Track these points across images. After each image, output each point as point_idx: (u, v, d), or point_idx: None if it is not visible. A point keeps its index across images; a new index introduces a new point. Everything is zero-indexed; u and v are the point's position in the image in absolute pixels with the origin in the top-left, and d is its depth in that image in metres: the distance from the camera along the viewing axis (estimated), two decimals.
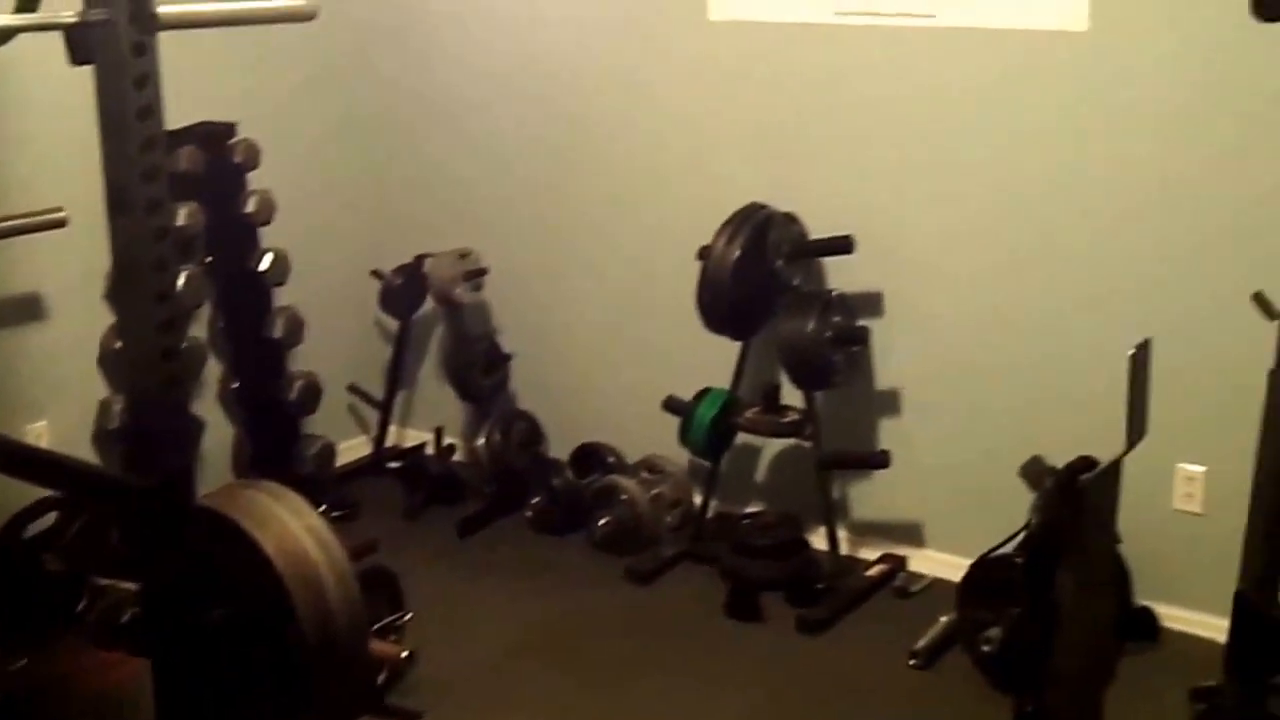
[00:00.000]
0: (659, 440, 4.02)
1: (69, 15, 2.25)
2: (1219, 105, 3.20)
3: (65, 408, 3.74)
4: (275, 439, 4.13)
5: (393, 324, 4.45)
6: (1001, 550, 3.11)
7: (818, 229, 3.68)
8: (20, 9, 2.47)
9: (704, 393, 3.84)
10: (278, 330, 4.02)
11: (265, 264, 3.95)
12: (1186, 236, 3.30)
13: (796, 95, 3.78)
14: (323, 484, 4.13)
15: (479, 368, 4.32)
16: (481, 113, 4.36)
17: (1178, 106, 3.25)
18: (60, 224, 3.24)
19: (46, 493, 3.23)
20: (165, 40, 2.32)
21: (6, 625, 3.36)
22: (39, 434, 3.67)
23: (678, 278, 3.79)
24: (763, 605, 3.58)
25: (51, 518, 3.45)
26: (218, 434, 4.09)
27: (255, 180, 3.97)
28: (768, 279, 3.63)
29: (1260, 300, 2.51)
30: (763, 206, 3.68)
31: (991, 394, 3.64)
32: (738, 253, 3.58)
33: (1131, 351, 2.06)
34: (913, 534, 3.83)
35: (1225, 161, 3.22)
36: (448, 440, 4.44)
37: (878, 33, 3.61)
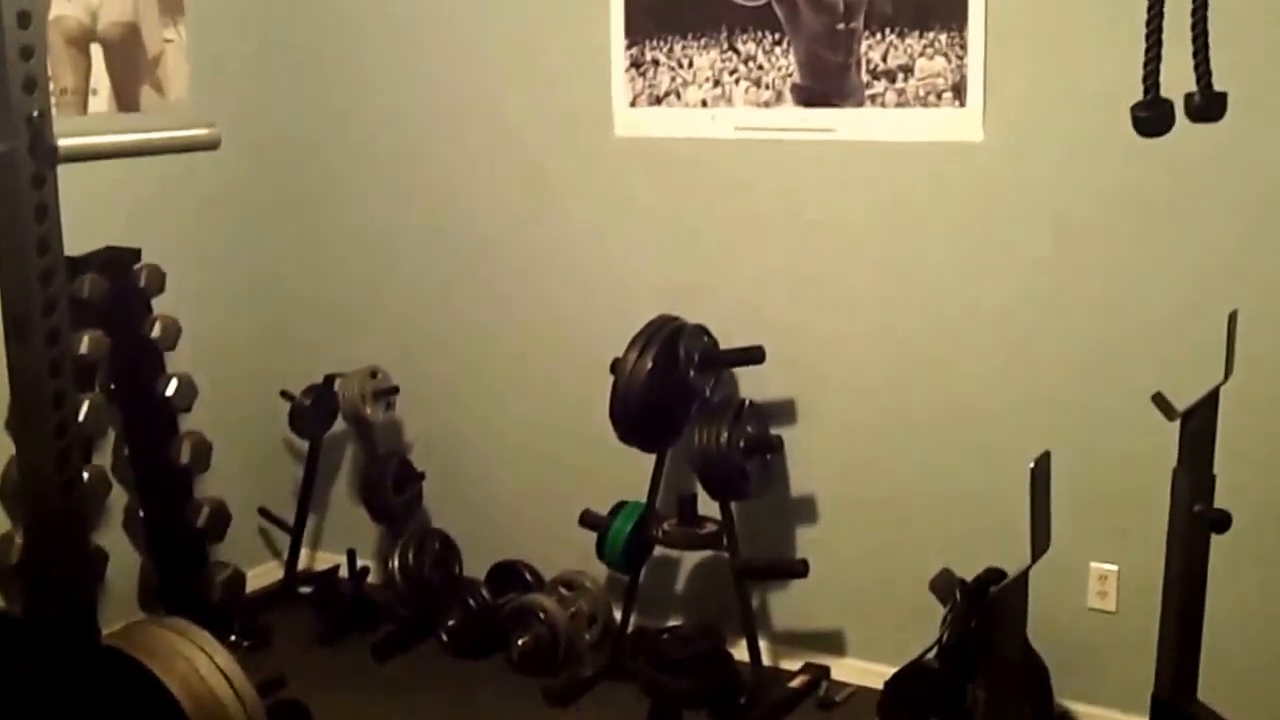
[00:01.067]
0: (576, 555, 3.99)
1: None
2: (1114, 212, 3.29)
3: None
4: (183, 567, 4.04)
5: (303, 445, 4.40)
6: (920, 659, 3.11)
7: (728, 339, 3.71)
8: None
9: (620, 506, 3.82)
10: (184, 456, 3.95)
11: (170, 389, 3.89)
12: (1087, 341, 3.37)
13: (703, 208, 3.83)
14: (232, 612, 4.04)
15: (391, 487, 4.27)
16: (386, 230, 4.37)
17: (1074, 214, 3.34)
18: None
19: None
20: (68, 165, 2.30)
21: None
22: None
23: (590, 391, 3.80)
24: None
25: None
26: (123, 563, 3.99)
27: (160, 305, 3.93)
28: (680, 390, 3.64)
29: (1160, 401, 2.57)
30: (673, 318, 3.71)
31: (905, 501, 3.67)
32: (650, 365, 3.60)
33: (1030, 465, 2.09)
34: (835, 642, 3.82)
35: (1122, 267, 3.30)
36: (361, 562, 4.36)
37: (779, 147, 3.68)
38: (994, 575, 2.60)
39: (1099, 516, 3.36)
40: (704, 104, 3.75)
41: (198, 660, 2.57)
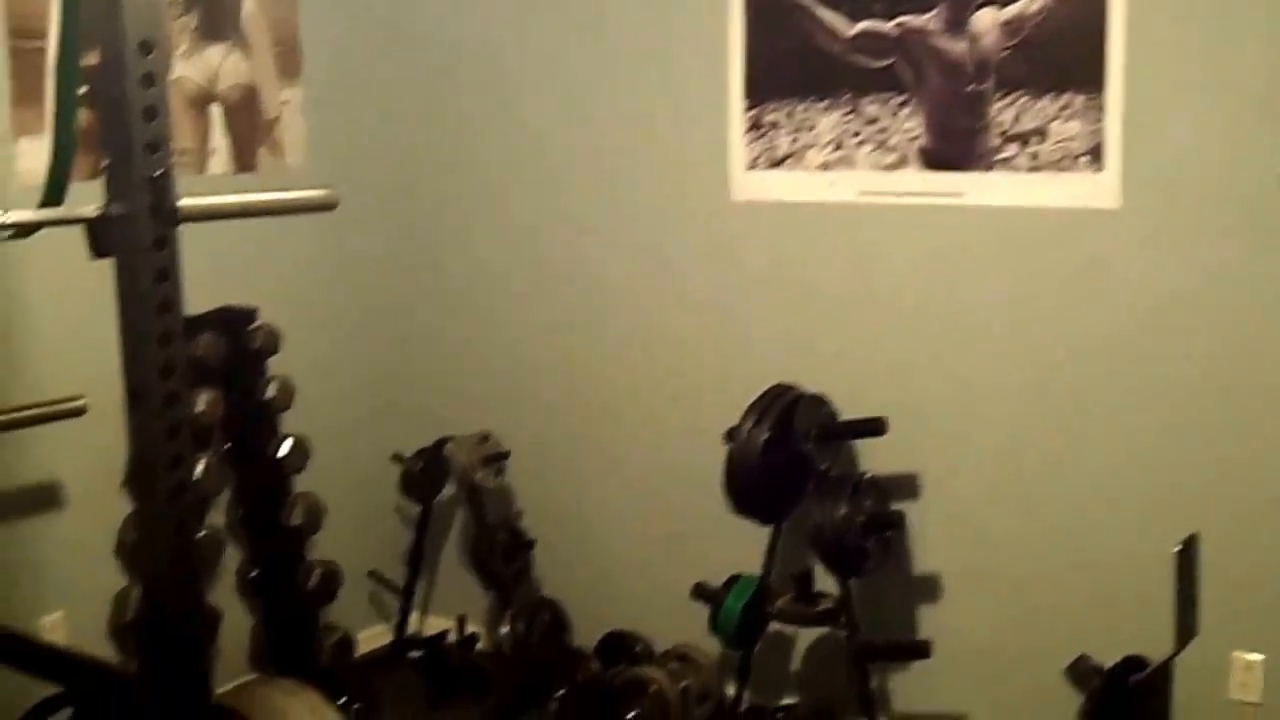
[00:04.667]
0: (688, 628, 3.89)
1: (91, 209, 2.24)
2: (1262, 290, 3.14)
3: (82, 599, 3.65)
4: (294, 629, 4.02)
5: (413, 509, 4.37)
6: None
7: (847, 410, 3.61)
8: (45, 203, 2.47)
9: (733, 580, 3.73)
10: (296, 517, 3.94)
11: (284, 450, 3.90)
12: (1233, 422, 3.22)
13: (822, 274, 3.76)
14: (342, 675, 4.00)
15: (501, 554, 4.22)
16: (499, 293, 4.35)
17: (1218, 289, 3.20)
18: (79, 413, 3.21)
19: (59, 689, 3.13)
20: (187, 225, 2.30)
21: None
22: (54, 626, 3.58)
23: (704, 460, 3.71)
24: None
25: (66, 715, 3.34)
26: (236, 623, 3.98)
27: (275, 365, 3.94)
28: (797, 462, 3.55)
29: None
30: (790, 387, 3.63)
31: (1036, 582, 3.52)
32: (765, 435, 3.51)
33: (1177, 548, 1.97)
34: None
35: (1274, 344, 3.15)
36: (470, 628, 4.31)
37: (903, 212, 3.60)
38: (1134, 663, 2.47)
39: (1243, 601, 3.18)
40: (825, 167, 3.68)
41: None
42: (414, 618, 4.46)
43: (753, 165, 3.80)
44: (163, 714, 2.34)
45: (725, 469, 3.57)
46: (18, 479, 3.52)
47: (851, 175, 3.65)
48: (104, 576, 3.69)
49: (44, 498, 3.58)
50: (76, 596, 3.64)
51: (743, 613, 3.66)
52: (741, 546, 3.74)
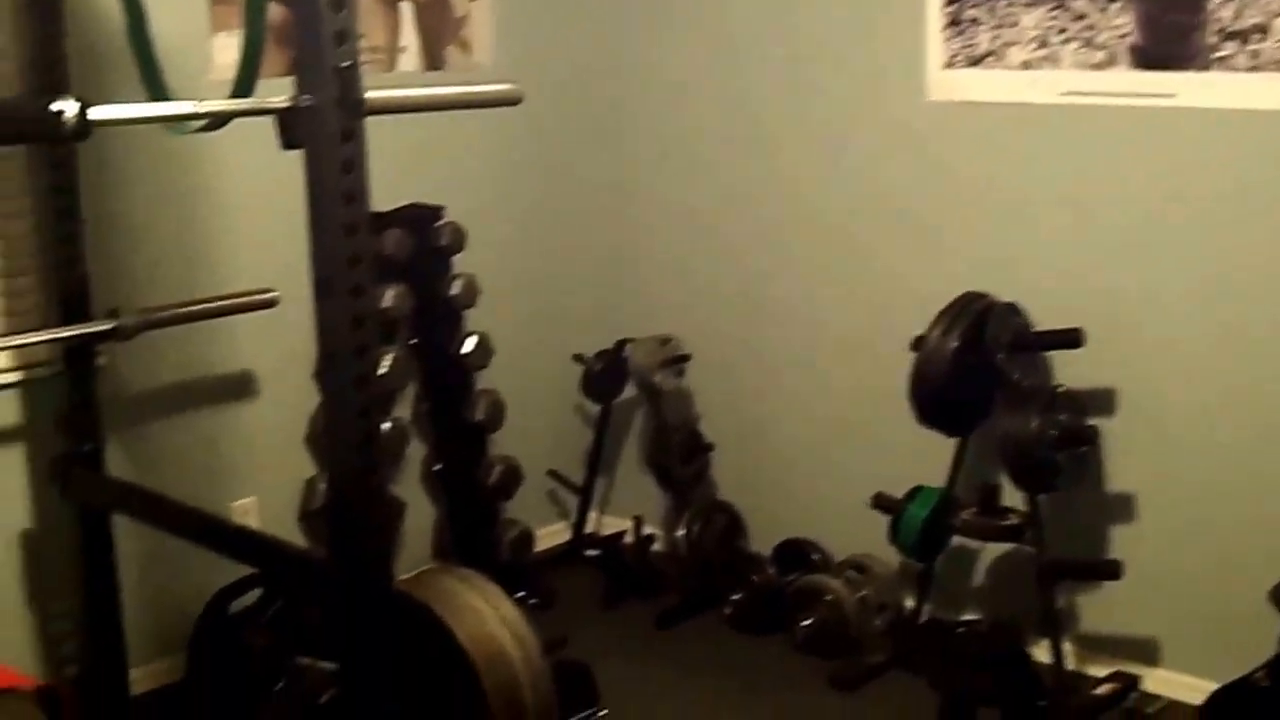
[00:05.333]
0: (867, 539, 3.83)
1: (280, 100, 2.27)
2: None
3: (273, 485, 3.77)
4: (474, 523, 4.09)
5: (594, 409, 4.39)
6: (1250, 676, 2.84)
7: (1042, 320, 3.48)
8: (236, 94, 2.51)
9: (916, 491, 3.65)
10: (479, 414, 3.99)
11: (468, 347, 3.94)
12: None
13: (1020, 179, 3.60)
14: (520, 570, 4.07)
15: (679, 457, 4.22)
16: (686, 196, 4.29)
17: None
18: (271, 304, 3.28)
19: (251, 569, 3.24)
20: (375, 120, 2.31)
21: (209, 701, 3.38)
22: (246, 510, 3.70)
23: (890, 368, 3.62)
24: None
25: (255, 594, 3.47)
26: (420, 515, 4.07)
27: (460, 263, 3.97)
28: (987, 372, 3.43)
29: None
30: (982, 295, 3.50)
31: (1236, 504, 3.36)
32: (955, 344, 3.41)
33: None
34: (1147, 651, 3.55)
35: None
36: (647, 530, 4.33)
37: (1110, 114, 3.41)
38: None
39: None
40: (1027, 66, 3.51)
41: (485, 612, 2.57)
42: (591, 517, 4.49)
43: (950, 64, 3.65)
44: (345, 598, 2.40)
45: (912, 378, 3.48)
46: (214, 368, 3.63)
47: (1055, 75, 3.47)
48: (295, 465, 3.80)
49: (238, 387, 3.69)
50: (268, 483, 3.76)
51: (925, 524, 3.59)
52: (925, 458, 3.66)
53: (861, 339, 3.95)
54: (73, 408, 3.10)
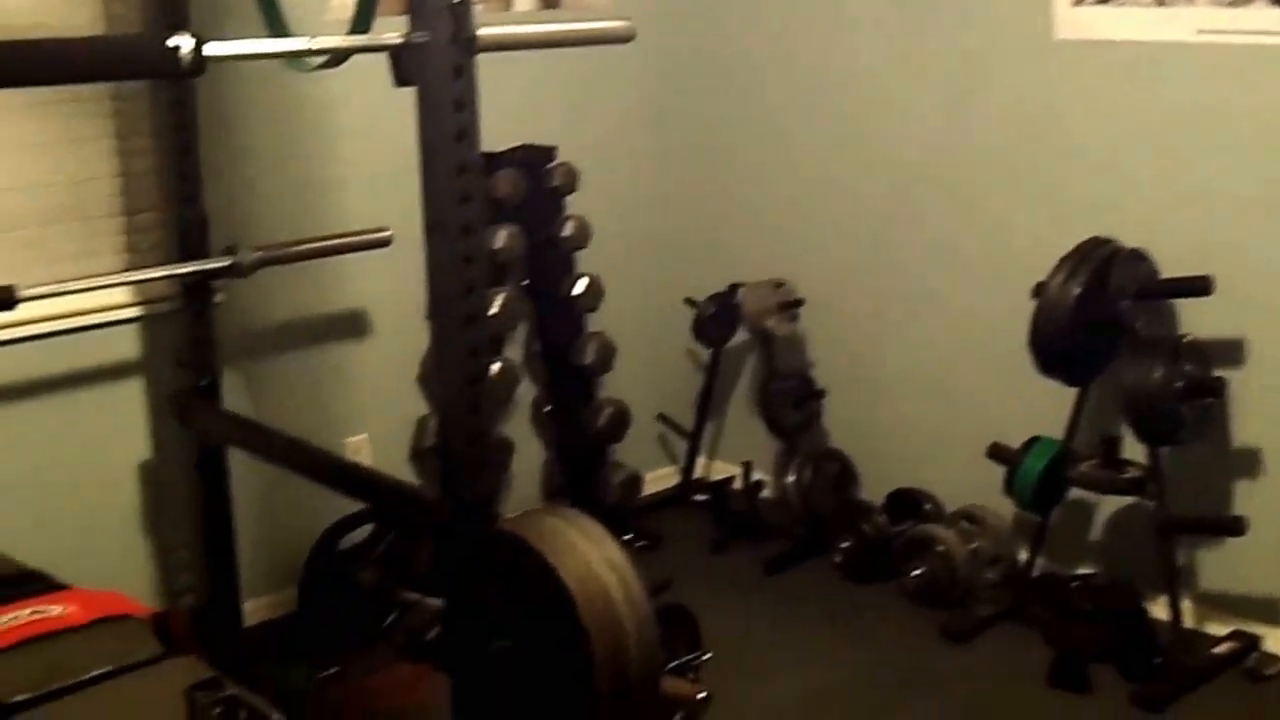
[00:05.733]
0: (981, 490, 3.76)
1: (394, 37, 2.26)
2: None
3: (385, 423, 3.81)
4: (583, 465, 4.10)
5: (704, 353, 4.36)
6: None
7: (1168, 267, 3.36)
8: (352, 30, 2.51)
9: (1033, 441, 3.57)
10: (589, 356, 3.99)
11: (579, 289, 3.93)
12: None
13: (1150, 121, 3.47)
14: (627, 513, 4.07)
15: (790, 403, 4.17)
16: (802, 140, 4.22)
17: None
18: (385, 243, 3.29)
19: (362, 506, 3.29)
20: (489, 63, 2.29)
21: (319, 634, 3.44)
22: (358, 448, 3.75)
23: (1009, 316, 3.53)
24: (1091, 676, 3.28)
25: (366, 531, 3.52)
26: (529, 456, 4.09)
27: (572, 205, 3.95)
28: (1110, 320, 3.33)
29: None
30: (1107, 241, 3.39)
31: None
32: (1077, 291, 3.30)
33: None
34: (1270, 611, 3.43)
35: None
36: (756, 476, 4.30)
37: (1248, 53, 3.27)
38: None
39: None
40: (1160, 3, 3.38)
41: (590, 554, 2.56)
42: (700, 462, 4.47)
43: (1079, 1, 3.52)
44: (453, 536, 2.41)
45: (1032, 325, 3.38)
46: (329, 306, 3.67)
47: (1190, 12, 3.33)
48: (407, 403, 3.84)
49: (352, 326, 3.73)
50: (380, 421, 3.80)
51: (1042, 475, 3.52)
52: (1043, 408, 3.58)
53: (980, 284, 3.86)
54: (191, 343, 3.15)
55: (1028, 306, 3.39)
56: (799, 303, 4.18)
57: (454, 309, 2.29)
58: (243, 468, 3.28)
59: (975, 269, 3.87)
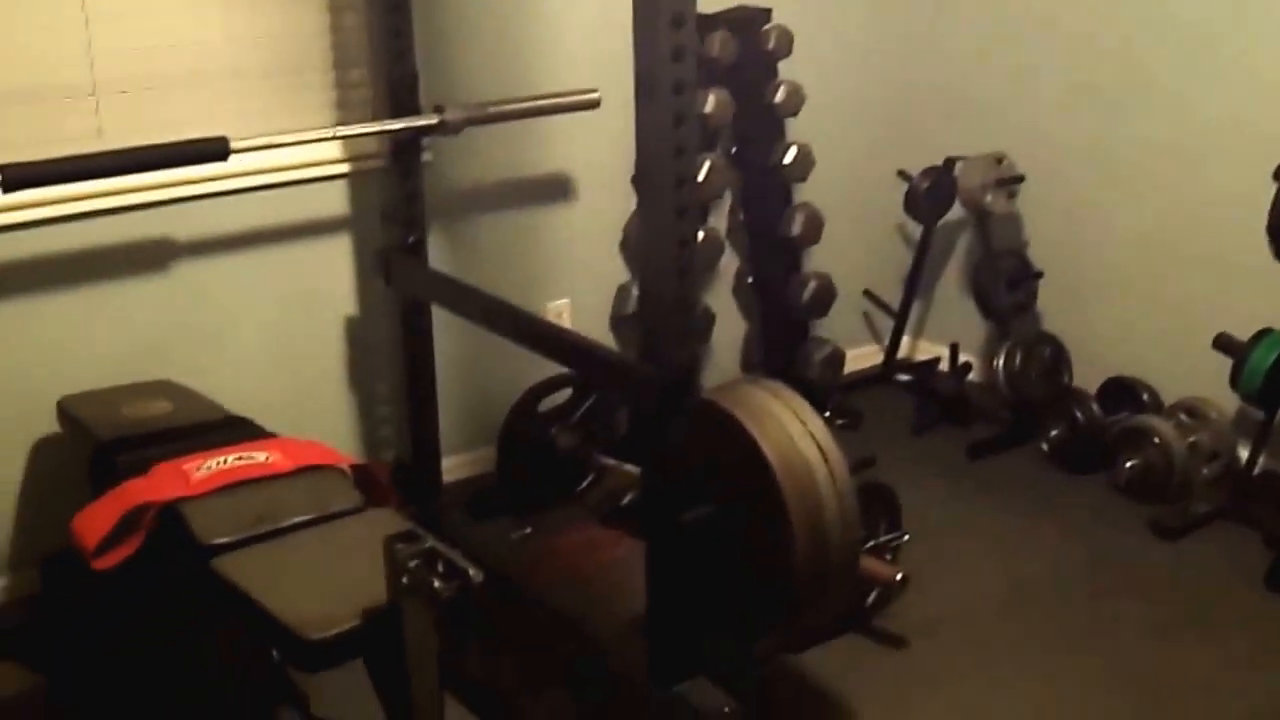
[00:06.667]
0: (1202, 382, 3.58)
1: None
2: None
3: (586, 288, 3.80)
4: (784, 339, 4.02)
5: (914, 229, 4.20)
6: None
7: None
8: None
9: (1264, 333, 3.36)
10: (795, 228, 3.88)
11: (789, 158, 3.81)
12: None
13: None
14: (828, 390, 3.99)
15: (1004, 283, 4.01)
16: (1031, 6, 3.98)
17: None
18: (593, 105, 3.24)
19: (561, 369, 3.29)
20: None
21: (515, 494, 3.48)
22: (560, 312, 3.75)
23: (1243, 199, 3.30)
24: None
25: (565, 394, 3.53)
26: (730, 327, 4.04)
27: (785, 70, 3.82)
28: None
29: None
30: None
31: None
32: None
33: None
34: None
35: None
36: (963, 358, 4.17)
37: None
38: None
39: None
40: None
41: (792, 426, 2.50)
42: (905, 341, 4.35)
43: None
44: (655, 402, 2.37)
45: (1271, 208, 3.16)
46: (535, 169, 3.64)
47: None
48: (609, 270, 3.82)
49: (558, 189, 3.70)
50: (582, 286, 3.79)
51: (1271, 369, 3.31)
52: (1276, 298, 3.35)
53: (1211, 166, 3.61)
54: (399, 201, 3.17)
55: (1266, 191, 3.16)
56: (1019, 179, 3.99)
57: (663, 171, 2.22)
58: (446, 326, 3.30)
59: (1209, 147, 3.62)
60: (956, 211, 4.12)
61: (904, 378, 4.25)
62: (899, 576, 2.82)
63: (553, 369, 3.28)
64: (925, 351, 4.41)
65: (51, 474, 3.04)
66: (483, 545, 3.22)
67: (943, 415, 4.05)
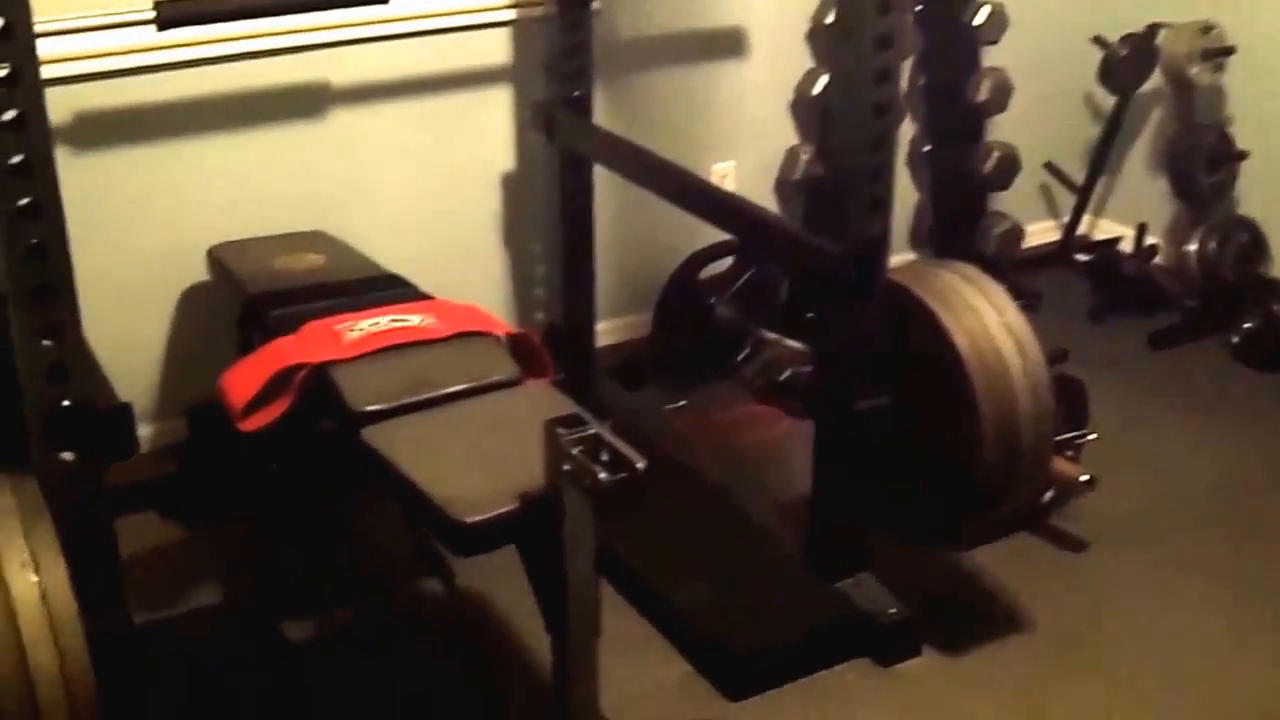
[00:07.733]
0: None
1: None
2: None
3: (753, 151, 3.60)
4: (960, 212, 3.79)
5: (1106, 100, 3.91)
6: None
7: None
8: None
9: None
10: (982, 94, 3.61)
11: (980, 18, 3.53)
12: None
13: None
14: (1004, 267, 3.75)
15: (1204, 162, 3.72)
16: None
17: None
18: None
19: (724, 236, 3.12)
20: None
21: (670, 363, 3.37)
22: (725, 175, 3.57)
23: None
24: None
25: (726, 263, 3.37)
26: (898, 198, 3.79)
27: None
28: None
29: None
30: None
31: None
32: None
33: None
34: None
35: None
36: (1150, 240, 3.89)
37: None
38: None
39: None
40: None
41: (988, 316, 2.30)
42: (1086, 219, 4.08)
43: None
44: (834, 280, 2.21)
45: None
46: (707, 21, 3.44)
47: None
48: (777, 132, 3.62)
49: (728, 44, 3.49)
50: (749, 149, 3.60)
51: None
52: None
53: None
54: (564, 52, 3.00)
55: None
56: (1229, 50, 3.68)
57: (863, 30, 2.02)
58: (607, 186, 3.15)
59: None
60: (1153, 82, 3.81)
61: (1083, 257, 3.99)
62: (1084, 478, 2.64)
63: (714, 235, 3.11)
64: (1106, 230, 4.14)
65: (199, 323, 2.99)
66: (635, 415, 3.12)
67: (1124, 300, 3.81)
